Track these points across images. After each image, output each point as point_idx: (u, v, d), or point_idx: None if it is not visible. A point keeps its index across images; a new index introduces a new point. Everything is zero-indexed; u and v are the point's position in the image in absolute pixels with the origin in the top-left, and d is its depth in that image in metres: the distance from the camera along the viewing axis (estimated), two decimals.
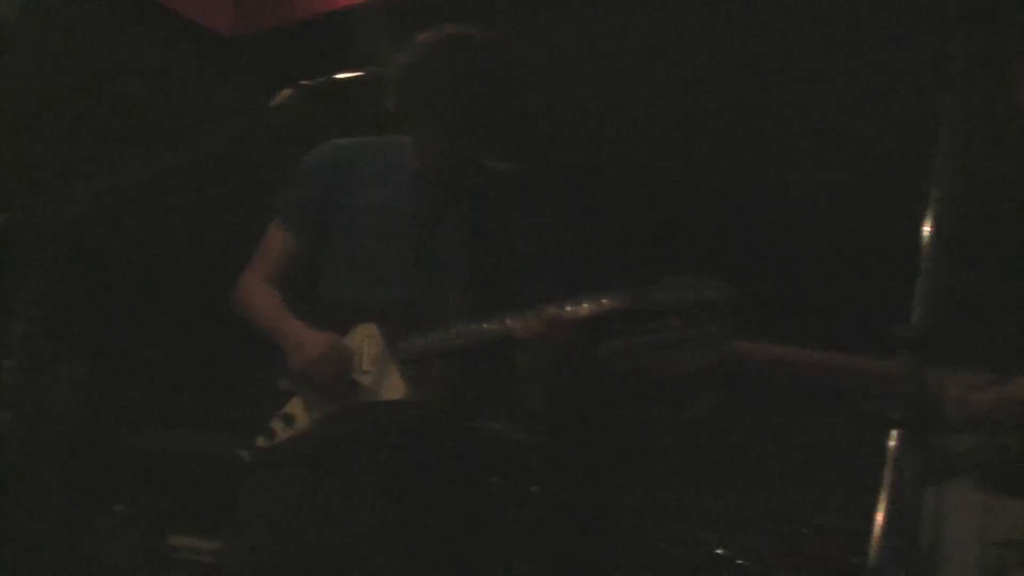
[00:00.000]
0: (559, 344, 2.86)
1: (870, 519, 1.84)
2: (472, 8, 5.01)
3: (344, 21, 5.31)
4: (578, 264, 3.20)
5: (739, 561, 4.96)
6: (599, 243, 6.93)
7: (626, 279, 2.81)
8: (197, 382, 6.81)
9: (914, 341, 1.85)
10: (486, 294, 3.11)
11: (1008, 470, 2.42)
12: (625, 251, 7.19)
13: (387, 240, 3.17)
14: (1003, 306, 2.43)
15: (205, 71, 6.04)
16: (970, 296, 2.41)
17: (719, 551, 4.96)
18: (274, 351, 3.16)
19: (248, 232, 3.39)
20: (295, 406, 3.10)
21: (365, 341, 3.05)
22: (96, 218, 2.56)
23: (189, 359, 6.92)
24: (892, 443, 1.88)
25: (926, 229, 1.95)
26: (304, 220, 3.27)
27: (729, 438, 6.99)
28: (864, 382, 2.53)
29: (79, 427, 5.85)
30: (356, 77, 2.99)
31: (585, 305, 2.84)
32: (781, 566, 4.98)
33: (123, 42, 5.74)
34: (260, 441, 3.11)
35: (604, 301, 2.82)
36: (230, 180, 2.72)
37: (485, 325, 2.94)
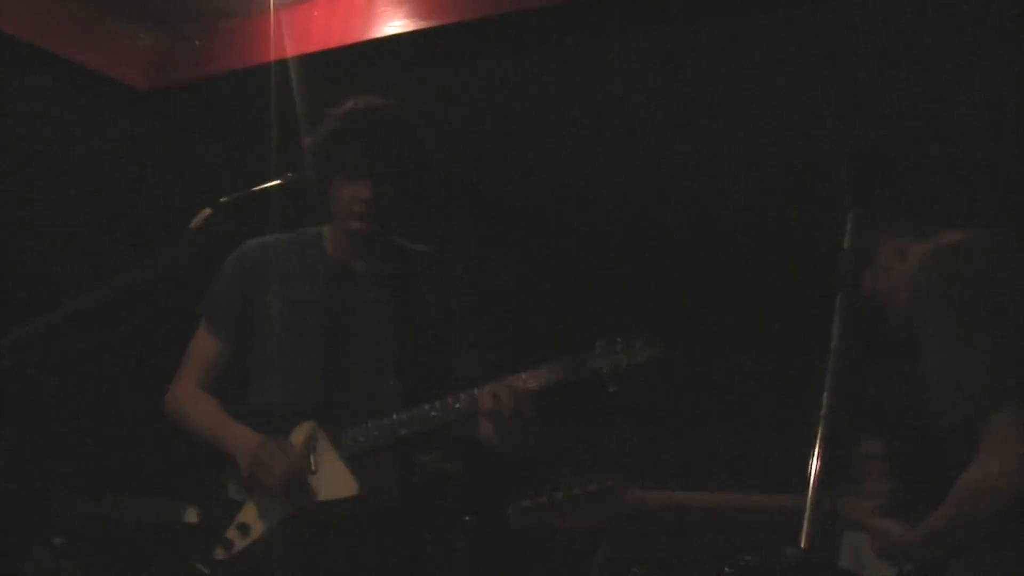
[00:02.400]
0: (524, 413, 2.88)
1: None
2: (380, 65, 5.14)
3: (259, 76, 5.34)
4: (501, 337, 3.28)
5: None
6: (519, 312, 7.12)
7: (550, 347, 2.91)
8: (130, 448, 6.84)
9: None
10: (415, 376, 3.14)
11: None
12: (546, 318, 7.38)
13: (310, 335, 3.19)
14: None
15: (120, 124, 6.03)
16: None
17: None
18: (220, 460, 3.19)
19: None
20: (249, 514, 3.10)
21: (308, 441, 3.10)
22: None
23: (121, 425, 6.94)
24: None
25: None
26: (227, 324, 3.28)
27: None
28: (759, 519, 2.69)
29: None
30: (274, 185, 3.02)
31: (531, 376, 2.89)
32: None
33: (32, 97, 5.73)
34: (218, 553, 3.09)
35: (547, 371, 2.88)
36: (159, 309, 2.75)
37: (431, 409, 2.99)
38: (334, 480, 3.03)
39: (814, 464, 2.12)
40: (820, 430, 2.14)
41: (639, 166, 6.36)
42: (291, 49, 5.20)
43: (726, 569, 5.20)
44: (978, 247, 2.42)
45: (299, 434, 3.09)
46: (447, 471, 6.35)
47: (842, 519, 2.51)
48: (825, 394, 2.17)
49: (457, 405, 2.96)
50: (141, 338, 3.22)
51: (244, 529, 3.09)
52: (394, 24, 4.90)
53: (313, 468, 3.04)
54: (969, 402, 2.22)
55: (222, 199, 2.92)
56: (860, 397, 6.27)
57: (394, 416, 3.03)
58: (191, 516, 5.60)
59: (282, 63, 5.22)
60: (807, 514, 2.02)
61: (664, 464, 7.80)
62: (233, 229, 2.94)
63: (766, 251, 6.88)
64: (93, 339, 2.54)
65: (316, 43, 5.16)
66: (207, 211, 2.89)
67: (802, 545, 1.99)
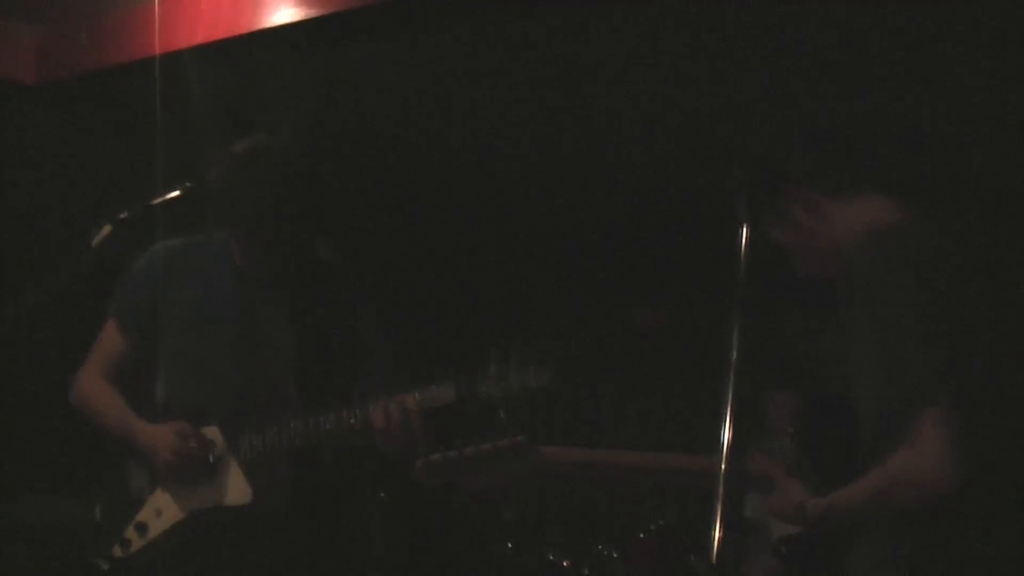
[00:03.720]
0: (414, 431, 2.96)
1: (705, 517, 2.02)
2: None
3: (147, 69, 5.30)
4: (404, 349, 3.34)
5: (585, 571, 5.15)
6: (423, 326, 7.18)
7: (450, 362, 2.96)
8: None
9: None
10: (315, 385, 3.21)
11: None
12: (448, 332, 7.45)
13: (215, 339, 3.24)
14: None
15: (11, 121, 5.96)
16: None
17: (564, 563, 5.14)
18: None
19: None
20: (146, 514, 3.17)
21: (209, 444, 3.14)
22: None
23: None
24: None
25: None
26: (135, 322, 3.32)
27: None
28: (672, 479, 2.71)
29: None
30: (172, 198, 3.04)
31: (423, 396, 2.97)
32: (622, 571, 5.18)
33: None
34: (116, 551, 3.17)
35: (441, 398, 2.96)
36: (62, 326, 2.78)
37: (327, 423, 3.06)
38: (230, 486, 3.10)
39: (723, 450, 2.14)
40: (728, 398, 2.17)
41: (532, 145, 6.42)
42: (179, 41, 5.18)
43: (640, 534, 5.35)
44: (914, 232, 2.39)
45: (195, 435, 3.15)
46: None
47: (749, 477, 2.53)
48: (733, 351, 2.19)
49: (352, 420, 3.03)
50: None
51: (142, 529, 3.16)
52: (283, 13, 4.90)
53: (212, 470, 3.12)
54: (903, 397, 2.22)
55: (121, 215, 2.94)
56: (769, 348, 6.42)
57: (291, 425, 3.09)
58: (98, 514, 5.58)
59: (170, 55, 5.21)
60: (716, 522, 2.03)
61: (574, 424, 7.89)
62: (133, 244, 2.97)
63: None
64: None
65: (203, 34, 5.13)
66: (107, 228, 2.91)
67: (712, 560, 2.02)
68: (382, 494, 6.53)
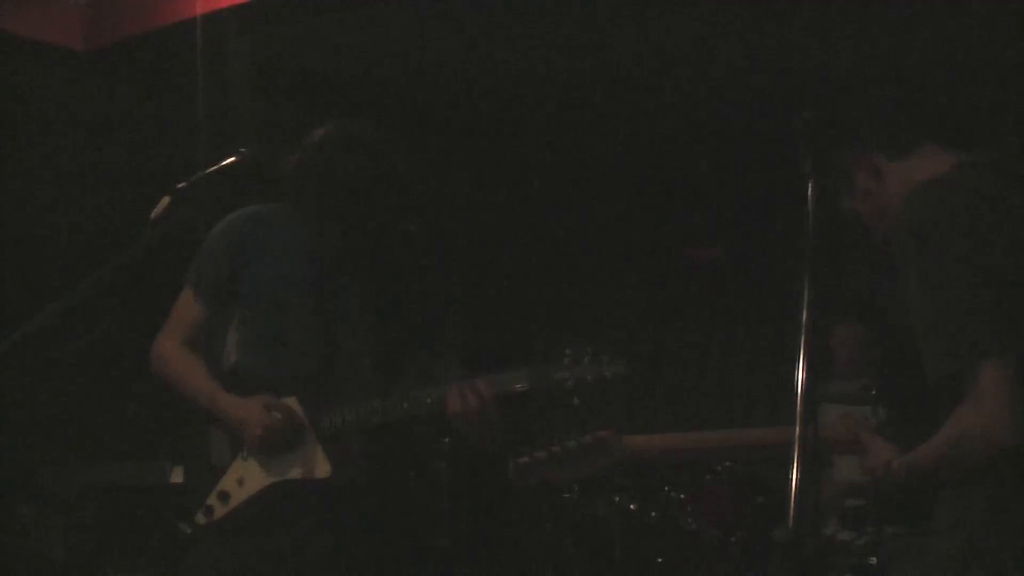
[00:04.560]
0: (489, 416, 3.02)
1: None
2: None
3: (195, 29, 5.32)
4: (475, 331, 3.36)
5: (652, 514, 5.16)
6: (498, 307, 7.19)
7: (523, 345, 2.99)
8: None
9: None
10: (395, 363, 3.25)
11: None
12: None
13: (294, 313, 3.25)
14: None
15: (63, 87, 6.00)
16: None
17: (632, 507, 5.16)
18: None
19: None
20: (228, 482, 3.21)
21: (290, 416, 3.17)
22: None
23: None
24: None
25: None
26: (213, 292, 3.33)
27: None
28: (754, 454, 2.71)
29: None
30: (227, 165, 3.04)
31: (498, 381, 3.02)
32: (688, 514, 5.19)
33: None
34: (200, 519, 3.22)
35: (515, 384, 3.01)
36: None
37: (403, 401, 3.09)
38: (311, 459, 3.14)
39: (799, 411, 2.11)
40: (802, 344, 2.14)
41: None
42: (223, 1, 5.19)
43: (707, 476, 5.35)
44: (960, 182, 2.37)
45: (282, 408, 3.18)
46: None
47: (832, 442, 2.55)
48: (804, 309, 2.17)
49: (428, 401, 3.07)
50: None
51: (224, 497, 3.20)
52: None
53: (293, 445, 3.15)
54: (959, 353, 2.22)
55: (179, 185, 2.95)
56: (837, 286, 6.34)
57: (371, 402, 3.12)
58: (176, 476, 5.68)
59: (216, 14, 5.21)
60: (793, 499, 2.01)
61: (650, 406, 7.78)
62: (194, 213, 2.98)
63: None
64: (70, 346, 2.58)
65: None
66: (166, 199, 2.91)
67: (790, 527, 2.02)
68: (445, 439, 6.59)
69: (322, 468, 3.13)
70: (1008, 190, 2.37)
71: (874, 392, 3.95)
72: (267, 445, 3.14)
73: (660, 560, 5.29)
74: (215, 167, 3.03)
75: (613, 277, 7.98)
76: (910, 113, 2.54)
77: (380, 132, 3.26)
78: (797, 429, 2.10)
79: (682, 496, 5.18)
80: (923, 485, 2.41)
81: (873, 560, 4.33)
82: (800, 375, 2.14)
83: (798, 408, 2.12)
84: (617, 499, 5.15)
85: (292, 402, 3.17)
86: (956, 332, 2.22)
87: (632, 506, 5.16)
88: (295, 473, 3.14)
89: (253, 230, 3.34)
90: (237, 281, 3.31)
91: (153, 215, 2.90)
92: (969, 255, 2.25)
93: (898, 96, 2.57)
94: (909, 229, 2.32)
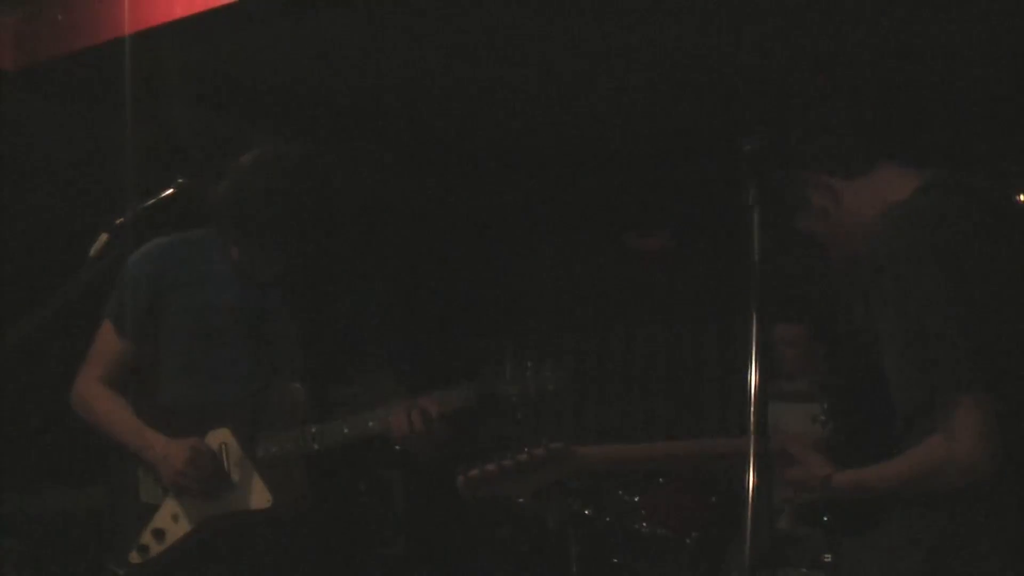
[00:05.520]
0: (435, 434, 3.04)
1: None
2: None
3: (120, 49, 5.24)
4: (413, 347, 3.34)
5: (607, 519, 5.16)
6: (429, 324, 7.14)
7: (459, 360, 2.98)
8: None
9: None
10: (324, 383, 3.22)
11: None
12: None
13: (223, 340, 3.21)
14: None
15: None
16: None
17: (585, 511, 5.15)
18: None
19: None
20: (163, 519, 3.17)
21: (222, 447, 3.13)
22: None
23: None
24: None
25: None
26: (135, 325, 3.29)
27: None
28: (701, 463, 2.72)
29: None
30: (166, 196, 3.00)
31: (442, 399, 3.03)
32: (642, 516, 5.19)
33: None
34: (134, 557, 3.18)
35: (460, 401, 3.02)
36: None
37: (343, 426, 3.06)
38: (249, 491, 3.10)
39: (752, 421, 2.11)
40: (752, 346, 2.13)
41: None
42: (156, 17, 5.11)
43: (659, 479, 5.35)
44: (926, 207, 2.33)
45: (213, 440, 3.13)
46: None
47: (776, 458, 2.49)
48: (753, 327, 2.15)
49: (371, 423, 3.07)
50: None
51: (159, 535, 3.16)
52: None
53: (229, 475, 3.11)
54: (934, 384, 2.19)
55: (117, 221, 2.91)
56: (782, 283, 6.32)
57: (308, 428, 3.09)
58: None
59: (147, 32, 5.13)
60: (749, 520, 2.01)
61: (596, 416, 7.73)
62: (133, 249, 2.94)
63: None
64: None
65: (181, 9, 5.06)
66: (104, 236, 2.87)
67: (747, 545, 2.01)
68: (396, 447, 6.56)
69: (261, 498, 3.09)
70: (974, 211, 2.33)
71: (820, 389, 3.96)
72: (193, 487, 3.09)
73: (615, 561, 5.30)
74: (152, 200, 2.99)
75: (556, 278, 7.94)
76: (861, 132, 2.49)
77: (310, 154, 3.22)
78: (752, 441, 2.10)
79: (636, 498, 5.18)
80: (873, 500, 2.40)
81: (828, 557, 4.37)
82: (752, 387, 2.12)
83: (751, 419, 2.11)
84: (571, 503, 5.14)
85: (224, 433, 3.13)
86: (931, 363, 2.20)
87: (586, 511, 5.15)
88: (234, 506, 3.10)
89: (167, 257, 3.29)
90: (157, 312, 3.26)
91: (92, 252, 2.87)
92: (941, 284, 2.22)
93: (849, 114, 2.52)
94: (879, 258, 2.29)
